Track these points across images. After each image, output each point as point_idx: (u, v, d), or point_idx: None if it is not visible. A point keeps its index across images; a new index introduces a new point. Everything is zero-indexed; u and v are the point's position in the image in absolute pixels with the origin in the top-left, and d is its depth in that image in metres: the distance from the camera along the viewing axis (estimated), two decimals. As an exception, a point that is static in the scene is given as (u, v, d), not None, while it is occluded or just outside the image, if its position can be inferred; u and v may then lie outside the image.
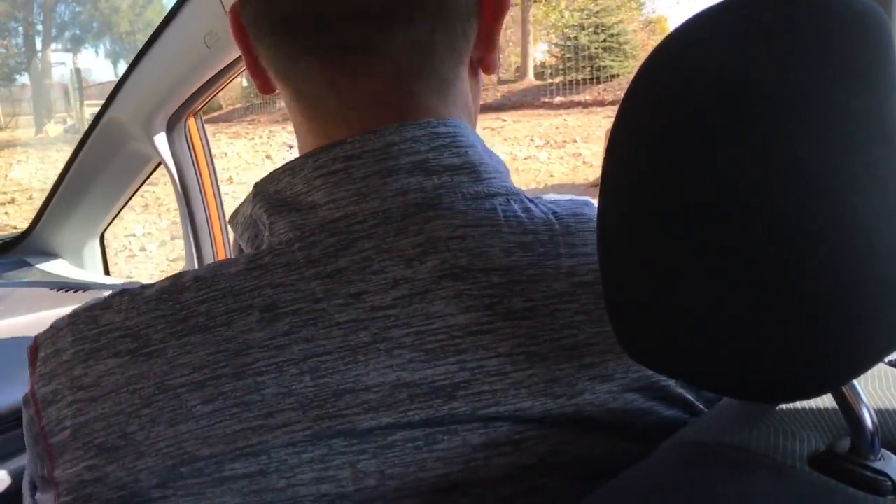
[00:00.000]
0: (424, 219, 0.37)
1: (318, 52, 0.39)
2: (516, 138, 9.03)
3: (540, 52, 12.36)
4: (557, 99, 11.14)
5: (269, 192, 0.40)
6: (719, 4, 0.29)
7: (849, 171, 0.26)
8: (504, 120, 10.19)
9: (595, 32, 11.43)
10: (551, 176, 7.28)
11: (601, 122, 8.98)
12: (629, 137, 0.30)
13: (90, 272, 1.58)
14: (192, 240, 1.37)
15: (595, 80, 11.03)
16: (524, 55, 12.15)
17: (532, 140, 8.75)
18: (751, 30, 0.27)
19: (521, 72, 12.19)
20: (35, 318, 1.16)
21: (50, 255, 1.55)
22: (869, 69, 0.27)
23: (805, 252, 0.26)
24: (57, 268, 1.50)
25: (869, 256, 0.26)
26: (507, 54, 12.48)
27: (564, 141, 8.50)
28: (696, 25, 0.29)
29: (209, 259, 1.39)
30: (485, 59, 0.43)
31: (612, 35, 11.43)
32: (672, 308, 0.29)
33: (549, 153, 8.09)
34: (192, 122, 1.34)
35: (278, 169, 0.41)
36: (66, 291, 1.29)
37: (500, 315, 0.36)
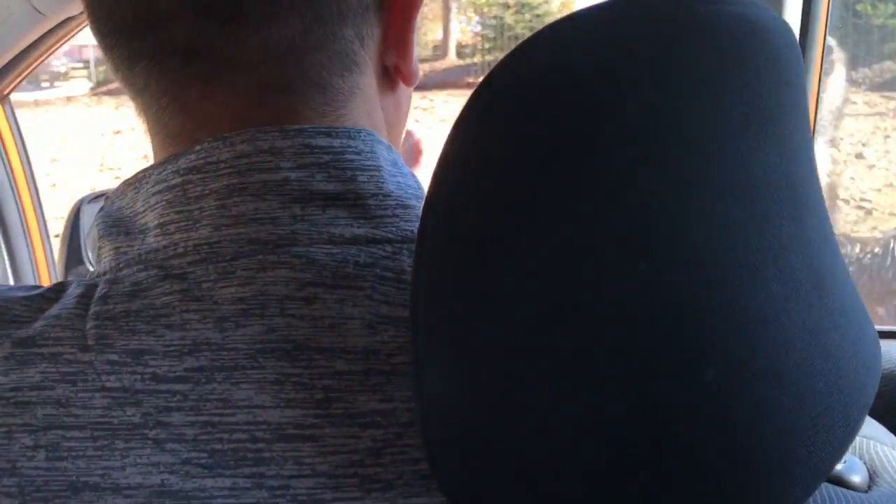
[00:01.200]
0: (261, 264, 0.29)
1: (153, 55, 0.32)
2: (454, 119, 9.16)
3: (458, 30, 12.28)
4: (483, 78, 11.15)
5: (112, 209, 0.34)
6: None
7: (747, 255, 0.21)
8: (431, 100, 10.13)
9: (519, 12, 11.56)
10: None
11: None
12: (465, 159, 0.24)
13: None
14: (2, 249, 1.16)
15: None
16: (445, 33, 12.08)
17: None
18: (620, 58, 0.22)
19: (441, 50, 12.12)
20: None
21: None
22: (780, 111, 0.22)
23: (683, 376, 0.20)
24: None
25: (774, 379, 0.20)
26: (424, 31, 12.35)
27: None
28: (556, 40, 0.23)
29: (26, 273, 1.19)
30: (400, 67, 0.35)
31: (537, 15, 11.59)
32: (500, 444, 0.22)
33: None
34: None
35: (126, 180, 0.34)
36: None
37: (334, 417, 0.27)
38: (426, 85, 11.96)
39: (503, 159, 0.22)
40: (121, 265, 0.30)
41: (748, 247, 0.21)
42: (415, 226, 0.31)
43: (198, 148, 0.31)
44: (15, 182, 1.16)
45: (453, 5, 11.88)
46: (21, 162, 1.20)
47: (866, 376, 0.23)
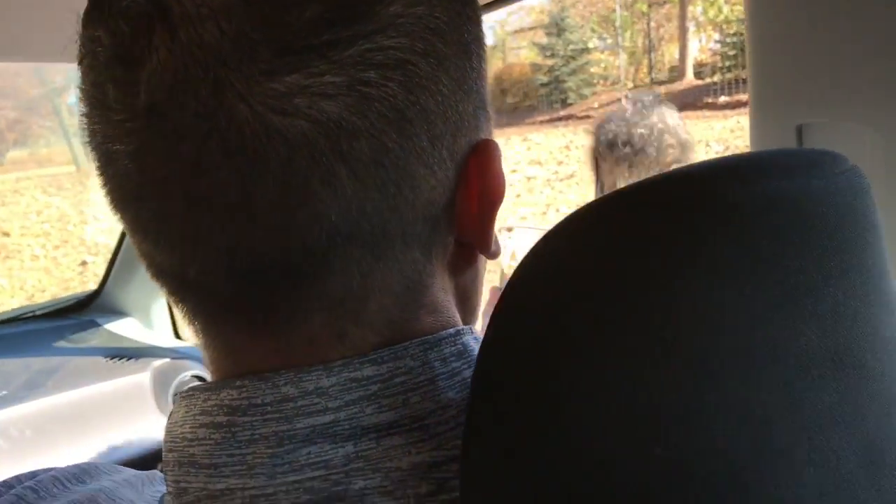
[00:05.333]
0: None
1: (198, 302, 0.29)
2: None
3: (695, 49, 11.96)
4: (722, 98, 10.88)
5: (170, 423, 0.31)
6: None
7: (774, 438, 0.20)
8: None
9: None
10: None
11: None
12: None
13: (158, 333, 1.54)
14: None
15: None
16: (682, 53, 11.93)
17: (708, 145, 8.17)
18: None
19: (679, 71, 12.00)
20: (81, 393, 1.15)
21: (119, 314, 1.52)
22: (824, 283, 0.21)
23: None
24: (125, 328, 1.47)
25: None
26: (661, 52, 12.33)
27: (746, 145, 8.01)
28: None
29: None
30: (478, 242, 0.31)
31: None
32: None
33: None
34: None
35: (181, 393, 0.31)
36: (118, 360, 1.29)
37: None
38: (663, 108, 11.71)
39: (530, 342, 0.22)
40: None
41: (777, 430, 0.20)
42: None
43: (238, 383, 0.28)
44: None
45: (690, 24, 11.68)
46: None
47: None
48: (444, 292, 0.31)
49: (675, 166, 1.40)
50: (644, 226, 0.22)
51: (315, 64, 0.24)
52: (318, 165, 0.25)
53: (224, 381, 0.29)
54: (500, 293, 0.28)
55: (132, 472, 0.39)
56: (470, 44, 0.29)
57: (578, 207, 0.24)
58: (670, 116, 1.31)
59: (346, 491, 0.26)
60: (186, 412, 0.30)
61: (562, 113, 12.01)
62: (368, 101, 0.25)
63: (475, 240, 0.30)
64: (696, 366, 0.20)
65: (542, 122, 11.55)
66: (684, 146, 1.32)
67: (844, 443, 0.20)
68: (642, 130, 1.29)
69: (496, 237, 0.31)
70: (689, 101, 10.81)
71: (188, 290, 0.28)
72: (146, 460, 1.14)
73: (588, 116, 11.54)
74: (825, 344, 0.21)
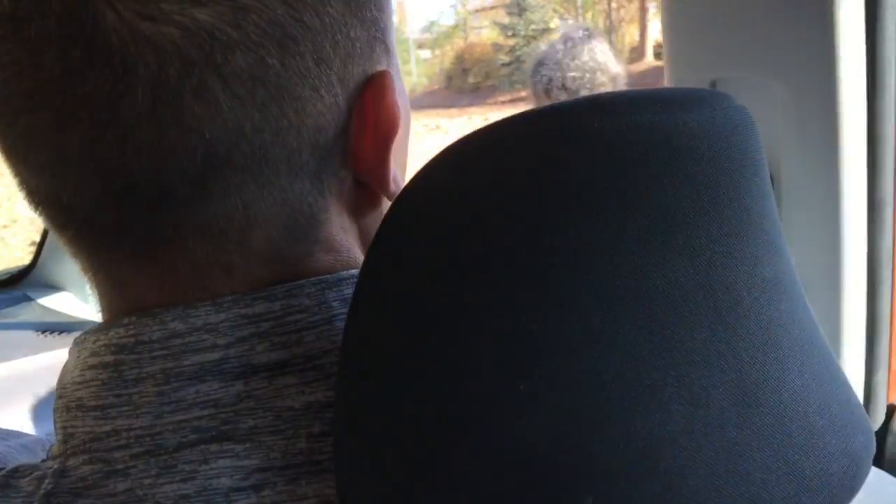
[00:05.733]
0: (203, 454, 0.26)
1: (79, 229, 0.27)
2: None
3: (655, 31, 12.10)
4: (682, 79, 11.00)
5: (63, 370, 0.30)
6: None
7: (642, 374, 0.19)
8: None
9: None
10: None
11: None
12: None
13: (94, 306, 1.44)
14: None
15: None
16: (642, 34, 12.06)
17: None
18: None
19: (638, 52, 12.14)
20: (9, 367, 1.14)
21: (54, 288, 1.47)
22: (695, 218, 0.20)
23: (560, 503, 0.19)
24: (59, 302, 1.41)
25: None
26: (622, 34, 12.43)
27: None
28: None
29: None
30: (375, 179, 0.29)
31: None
32: None
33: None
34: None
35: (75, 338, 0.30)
36: (50, 334, 1.26)
37: None
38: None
39: (399, 276, 0.22)
40: (68, 451, 0.27)
41: (645, 365, 0.19)
42: None
43: (126, 321, 0.27)
44: None
45: (650, 5, 11.78)
46: None
47: (811, 499, 0.20)
48: (343, 232, 0.29)
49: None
50: (515, 159, 0.21)
51: None
52: (189, 77, 0.23)
53: (113, 321, 0.28)
54: None
55: (31, 436, 0.38)
56: None
57: (460, 137, 0.24)
58: (601, 52, 1.33)
59: (234, 430, 0.26)
60: (78, 356, 0.29)
61: (523, 93, 12.02)
62: (244, 11, 0.23)
63: (372, 177, 0.29)
64: (563, 298, 0.20)
65: (503, 102, 11.55)
66: (615, 80, 1.34)
67: (716, 380, 0.20)
68: (574, 73, 1.31)
69: (396, 176, 0.30)
70: (648, 82, 10.96)
71: (65, 217, 0.27)
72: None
73: (550, 97, 11.62)
74: (697, 279, 0.20)
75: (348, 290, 0.28)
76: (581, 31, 1.38)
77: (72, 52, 0.23)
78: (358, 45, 0.27)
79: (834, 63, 0.52)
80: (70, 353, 0.30)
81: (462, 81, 13.06)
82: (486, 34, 13.65)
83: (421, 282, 0.22)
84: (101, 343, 0.28)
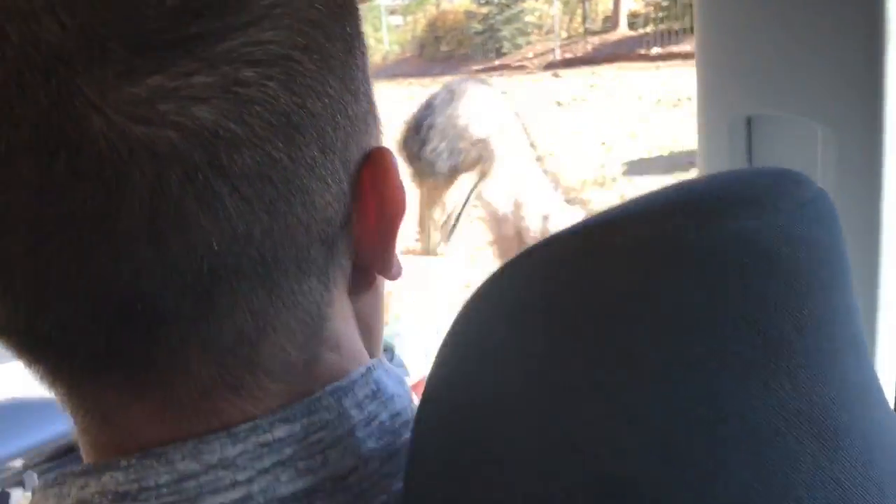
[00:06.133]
0: None
1: (58, 359, 0.24)
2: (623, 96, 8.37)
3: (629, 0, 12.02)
4: (655, 50, 11.03)
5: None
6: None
7: None
8: (600, 76, 10.05)
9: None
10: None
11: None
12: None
13: None
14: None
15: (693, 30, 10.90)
16: (616, 4, 11.99)
17: (640, 98, 8.05)
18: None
19: (612, 21, 12.09)
20: None
21: None
22: (798, 336, 0.19)
23: None
24: None
25: None
26: (595, 2, 12.33)
27: (679, 98, 7.38)
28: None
29: None
30: (378, 263, 0.28)
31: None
32: None
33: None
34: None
35: (46, 482, 0.26)
36: None
37: None
38: (594, 59, 11.91)
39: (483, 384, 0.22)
40: None
41: (755, 499, 0.18)
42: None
43: (123, 463, 0.24)
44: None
45: (624, -25, 11.71)
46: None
47: None
48: (344, 322, 0.28)
49: (485, 179, 1.31)
50: (601, 269, 0.20)
51: (181, 62, 0.20)
52: (193, 183, 0.21)
53: (104, 462, 0.24)
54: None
55: None
56: (353, 39, 0.26)
57: (541, 240, 0.23)
58: (464, 115, 1.24)
59: None
60: (59, 493, 0.25)
61: (496, 63, 11.94)
62: (248, 104, 0.21)
63: (375, 261, 0.28)
64: (662, 437, 0.19)
65: (476, 72, 11.47)
66: (477, 146, 1.25)
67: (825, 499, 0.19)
68: (434, 144, 1.24)
69: (398, 257, 0.29)
70: (622, 52, 10.95)
71: (42, 350, 0.24)
72: (59, 447, 1.08)
73: (523, 66, 11.53)
74: (798, 405, 0.19)
75: (361, 392, 0.27)
76: (443, 94, 1.30)
77: (54, 164, 0.20)
78: (356, 123, 0.26)
79: (881, 109, 0.49)
80: (40, 496, 0.26)
81: (435, 49, 12.89)
82: (458, 1, 13.43)
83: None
84: (91, 490, 0.24)
